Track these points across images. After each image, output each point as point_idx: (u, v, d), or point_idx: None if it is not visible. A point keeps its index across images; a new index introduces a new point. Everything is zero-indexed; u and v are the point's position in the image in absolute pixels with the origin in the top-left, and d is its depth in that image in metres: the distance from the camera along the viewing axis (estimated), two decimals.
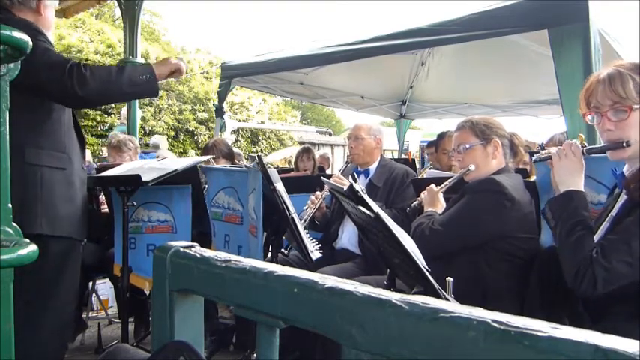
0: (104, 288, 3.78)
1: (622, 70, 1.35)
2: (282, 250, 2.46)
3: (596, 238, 1.38)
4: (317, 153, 5.91)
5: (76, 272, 1.96)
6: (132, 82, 1.84)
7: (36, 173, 1.75)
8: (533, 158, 1.59)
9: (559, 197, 1.43)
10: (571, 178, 1.43)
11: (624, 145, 1.34)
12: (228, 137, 6.48)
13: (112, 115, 9.74)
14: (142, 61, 5.98)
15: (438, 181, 2.16)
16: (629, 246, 1.24)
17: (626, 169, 1.41)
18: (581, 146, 1.48)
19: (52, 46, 1.84)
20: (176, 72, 2.03)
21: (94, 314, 3.78)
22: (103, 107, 9.62)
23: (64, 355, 1.99)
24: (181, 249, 0.79)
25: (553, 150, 1.50)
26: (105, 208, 3.14)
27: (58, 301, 1.85)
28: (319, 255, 2.03)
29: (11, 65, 0.79)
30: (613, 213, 1.41)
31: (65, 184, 1.84)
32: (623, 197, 1.40)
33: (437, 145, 4.11)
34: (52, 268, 1.80)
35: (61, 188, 1.82)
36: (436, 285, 1.23)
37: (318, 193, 2.78)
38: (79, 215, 1.91)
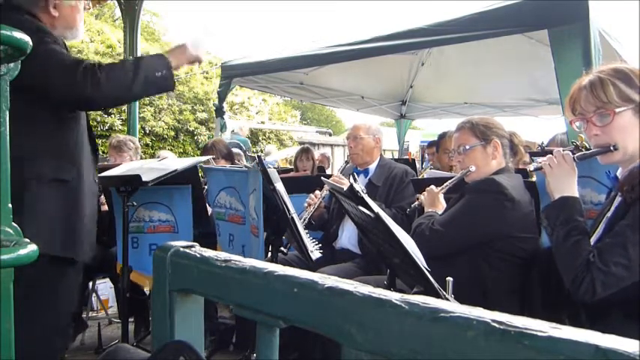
0: (104, 288, 3.78)
1: (602, 76, 1.38)
2: (282, 249, 2.45)
3: (593, 239, 1.39)
4: (317, 152, 5.90)
5: (70, 294, 1.77)
6: (147, 81, 1.71)
7: (32, 186, 1.58)
8: (528, 168, 1.61)
9: (553, 204, 1.45)
10: (565, 184, 1.45)
11: (612, 149, 1.36)
12: (228, 137, 6.49)
13: (112, 116, 9.73)
14: None
15: (438, 182, 2.17)
16: (625, 249, 1.25)
17: (619, 173, 1.42)
18: (581, 147, 1.49)
19: (60, 45, 1.69)
20: (196, 61, 1.91)
21: (94, 314, 3.78)
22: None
23: None
24: (181, 249, 0.79)
25: (544, 159, 1.51)
26: (105, 208, 3.14)
27: (50, 319, 1.68)
28: (319, 255, 2.03)
29: (11, 65, 0.79)
30: (609, 214, 1.43)
31: (67, 199, 1.67)
32: (618, 199, 1.41)
33: (438, 145, 4.11)
34: (36, 286, 1.58)
35: (59, 202, 1.65)
36: (436, 285, 1.23)
37: (317, 192, 2.78)
38: (80, 233, 1.71)
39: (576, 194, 1.45)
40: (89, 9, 1.94)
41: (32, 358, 1.60)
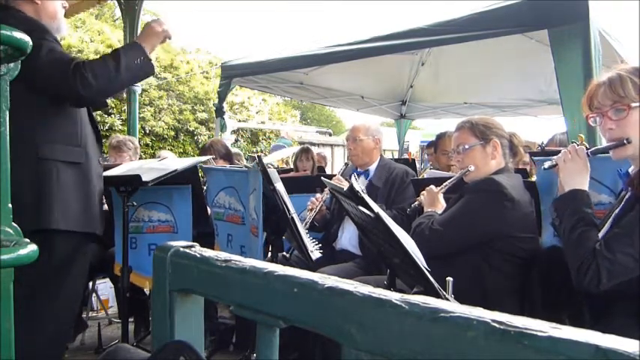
0: (104, 288, 3.78)
1: (622, 74, 1.42)
2: (285, 254, 2.46)
3: (600, 235, 1.40)
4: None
5: (84, 268, 1.95)
6: (129, 71, 1.83)
7: (51, 168, 1.76)
8: (543, 166, 1.62)
9: (562, 196, 1.47)
10: (577, 179, 1.47)
11: (625, 142, 1.38)
12: (228, 137, 6.49)
13: (112, 116, 9.73)
14: None
15: (438, 182, 2.16)
16: (632, 239, 1.26)
17: (631, 170, 1.43)
18: (585, 148, 1.50)
19: (58, 43, 1.83)
20: (165, 39, 2.00)
21: (94, 314, 3.78)
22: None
23: (63, 354, 1.98)
24: (181, 249, 0.79)
25: (559, 155, 1.52)
26: (105, 207, 3.14)
27: (64, 296, 1.84)
28: (319, 255, 2.03)
29: (11, 65, 0.79)
30: (617, 211, 1.43)
31: (81, 179, 1.85)
32: (627, 195, 1.42)
33: (436, 146, 4.11)
34: (63, 262, 1.80)
35: (76, 183, 1.82)
36: (436, 285, 1.23)
37: (318, 195, 2.78)
38: (95, 210, 1.91)
39: (586, 188, 1.46)
40: (66, 7, 2.01)
41: (48, 339, 1.78)
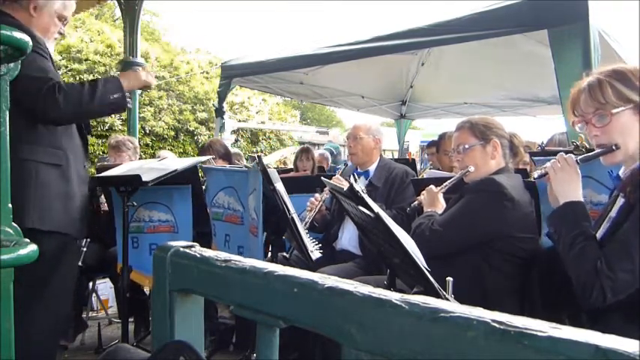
0: (104, 288, 3.78)
1: (601, 78, 1.39)
2: (285, 254, 2.46)
3: (598, 236, 1.39)
4: (316, 152, 5.89)
5: (71, 270, 1.96)
6: (102, 103, 1.89)
7: (30, 168, 1.77)
8: (532, 176, 1.59)
9: (557, 210, 1.44)
10: (569, 189, 1.43)
11: (614, 148, 1.36)
12: (228, 137, 6.49)
13: (112, 116, 9.72)
14: (142, 60, 5.98)
15: (438, 182, 2.16)
16: (630, 254, 1.25)
17: (622, 172, 1.42)
18: (581, 147, 1.49)
19: (45, 54, 1.84)
20: (146, 87, 2.12)
21: (94, 314, 3.78)
22: None
23: (56, 354, 1.98)
24: (181, 249, 0.79)
25: (547, 165, 1.50)
26: (105, 208, 3.14)
27: (51, 298, 1.84)
28: (319, 255, 2.03)
29: (11, 65, 0.79)
30: (612, 214, 1.42)
31: (61, 181, 1.86)
32: (620, 200, 1.41)
33: (438, 146, 4.10)
34: (46, 264, 1.79)
35: (56, 184, 1.84)
36: (436, 285, 1.23)
37: (317, 195, 2.78)
38: (77, 212, 1.92)
39: (581, 198, 1.43)
40: (63, 33, 2.05)
41: (39, 336, 1.79)
